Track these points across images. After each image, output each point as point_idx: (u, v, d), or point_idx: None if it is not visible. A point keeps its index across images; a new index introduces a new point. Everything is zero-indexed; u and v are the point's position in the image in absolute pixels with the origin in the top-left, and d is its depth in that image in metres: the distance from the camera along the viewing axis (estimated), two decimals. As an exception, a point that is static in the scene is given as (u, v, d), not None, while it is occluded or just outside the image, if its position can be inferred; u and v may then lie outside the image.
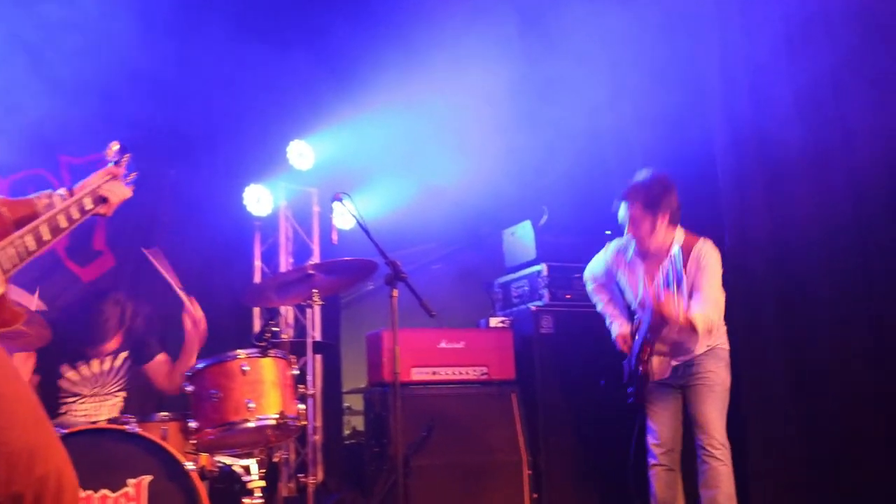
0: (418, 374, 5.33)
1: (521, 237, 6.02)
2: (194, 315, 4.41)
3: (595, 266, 4.91)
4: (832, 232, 4.94)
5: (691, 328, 4.35)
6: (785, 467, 4.98)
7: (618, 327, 4.80)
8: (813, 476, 4.90)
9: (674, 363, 4.55)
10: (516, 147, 6.15)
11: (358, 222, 4.17)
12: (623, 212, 4.57)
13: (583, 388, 5.52)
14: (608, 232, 5.93)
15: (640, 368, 4.55)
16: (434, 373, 5.38)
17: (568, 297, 5.78)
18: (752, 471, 4.92)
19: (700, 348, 4.51)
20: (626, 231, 4.59)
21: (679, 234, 4.53)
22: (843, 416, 4.84)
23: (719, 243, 5.13)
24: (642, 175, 4.55)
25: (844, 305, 4.85)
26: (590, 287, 4.93)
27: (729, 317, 4.75)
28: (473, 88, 6.05)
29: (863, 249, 4.88)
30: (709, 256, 4.50)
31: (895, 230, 4.75)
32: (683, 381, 4.58)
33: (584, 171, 6.15)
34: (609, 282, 4.86)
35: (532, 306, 5.71)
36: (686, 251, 4.48)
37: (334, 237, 4.33)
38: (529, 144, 6.16)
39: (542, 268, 5.77)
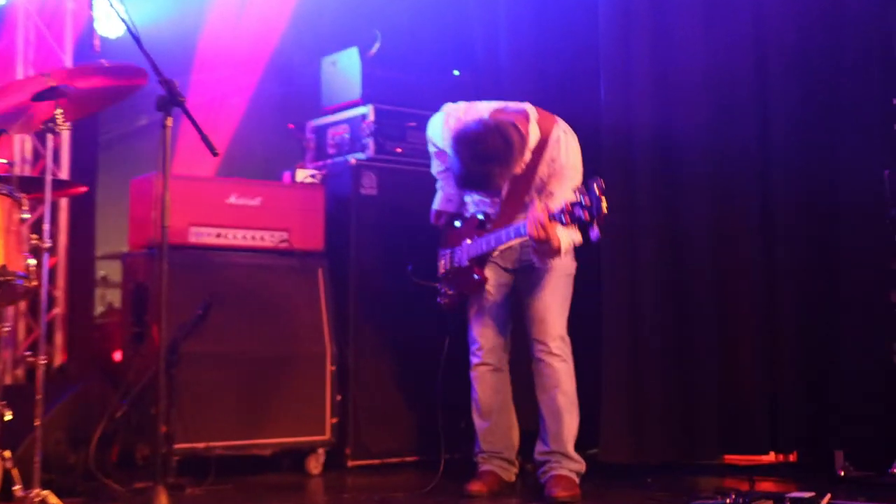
0: (198, 236, 5.15)
1: (344, 69, 5.80)
2: None
3: (434, 128, 4.71)
4: (732, 83, 5.05)
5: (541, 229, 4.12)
6: (646, 364, 5.03)
7: (443, 201, 4.75)
8: (675, 369, 5.05)
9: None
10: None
11: (127, 27, 3.90)
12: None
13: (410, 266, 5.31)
14: (457, 72, 5.91)
15: (475, 275, 4.48)
16: (219, 235, 5.21)
17: (398, 150, 5.65)
18: (606, 373, 4.97)
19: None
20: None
21: (533, 129, 4.35)
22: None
23: (594, 92, 5.14)
24: (465, 121, 4.36)
25: (733, 171, 5.05)
26: (431, 149, 4.79)
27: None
28: None
29: (762, 114, 5.06)
30: (569, 154, 4.37)
31: (801, 86, 4.96)
32: (514, 264, 4.55)
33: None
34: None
35: (352, 159, 5.57)
36: (541, 145, 4.35)
37: (96, 43, 4.16)
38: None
39: (368, 110, 5.61)
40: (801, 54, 4.97)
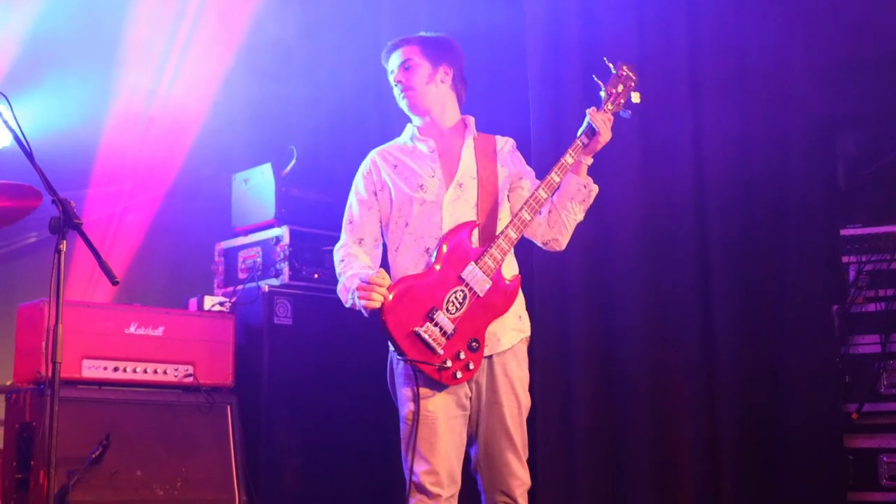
0: (93, 370, 5.09)
1: (257, 187, 5.85)
2: None
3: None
4: (669, 216, 5.13)
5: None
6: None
7: (358, 269, 3.78)
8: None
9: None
10: (262, 59, 5.95)
11: (15, 137, 3.80)
12: (394, 60, 4.05)
13: (328, 405, 5.45)
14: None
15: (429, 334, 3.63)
16: (116, 369, 5.15)
17: (316, 276, 5.71)
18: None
19: (512, 328, 3.87)
20: (392, 82, 4.06)
21: (470, 121, 4.06)
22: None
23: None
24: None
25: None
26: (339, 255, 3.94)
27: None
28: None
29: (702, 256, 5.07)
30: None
31: (745, 216, 5.00)
32: (475, 392, 3.86)
33: (355, 99, 6.02)
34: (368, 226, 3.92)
35: (265, 285, 5.60)
36: (482, 146, 4.01)
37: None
38: (280, 57, 6.00)
39: (283, 232, 5.66)
40: (745, 186, 5.03)
